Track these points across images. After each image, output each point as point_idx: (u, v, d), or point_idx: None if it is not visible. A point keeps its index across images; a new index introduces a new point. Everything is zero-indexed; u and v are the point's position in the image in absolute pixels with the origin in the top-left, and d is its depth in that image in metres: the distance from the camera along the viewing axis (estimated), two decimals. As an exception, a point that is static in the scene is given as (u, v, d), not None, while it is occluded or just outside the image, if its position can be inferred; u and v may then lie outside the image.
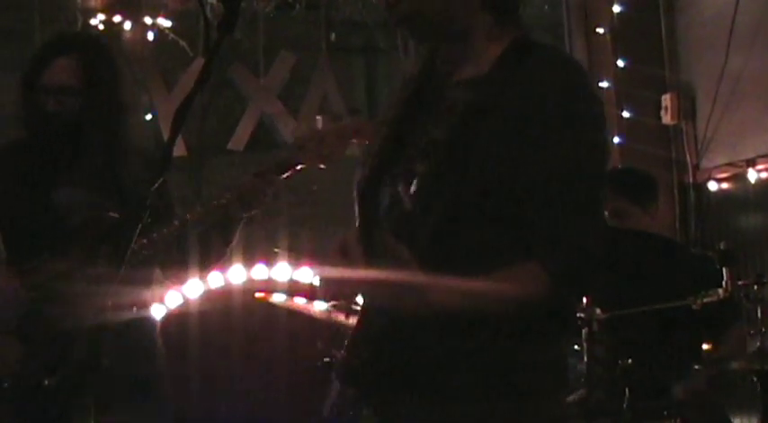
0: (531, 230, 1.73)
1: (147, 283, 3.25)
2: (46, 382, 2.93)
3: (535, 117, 1.74)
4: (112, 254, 2.98)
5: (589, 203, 1.76)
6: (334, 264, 1.74)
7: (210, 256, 3.23)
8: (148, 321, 3.27)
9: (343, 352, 1.97)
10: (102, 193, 3.13)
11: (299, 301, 3.89)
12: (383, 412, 1.85)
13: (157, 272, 3.31)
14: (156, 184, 1.91)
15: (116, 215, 3.07)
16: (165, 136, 5.64)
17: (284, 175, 3.10)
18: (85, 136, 3.13)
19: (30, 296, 3.09)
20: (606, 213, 4.04)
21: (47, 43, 3.30)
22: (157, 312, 4.43)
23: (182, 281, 3.49)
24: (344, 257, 1.73)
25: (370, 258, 1.68)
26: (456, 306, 1.70)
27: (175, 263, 3.23)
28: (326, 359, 3.51)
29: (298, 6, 6.74)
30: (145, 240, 3.00)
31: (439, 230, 1.72)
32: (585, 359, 3.41)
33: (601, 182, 1.83)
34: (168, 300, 4.80)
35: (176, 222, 3.09)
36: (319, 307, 3.63)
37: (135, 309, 3.09)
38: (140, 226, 1.88)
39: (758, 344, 3.38)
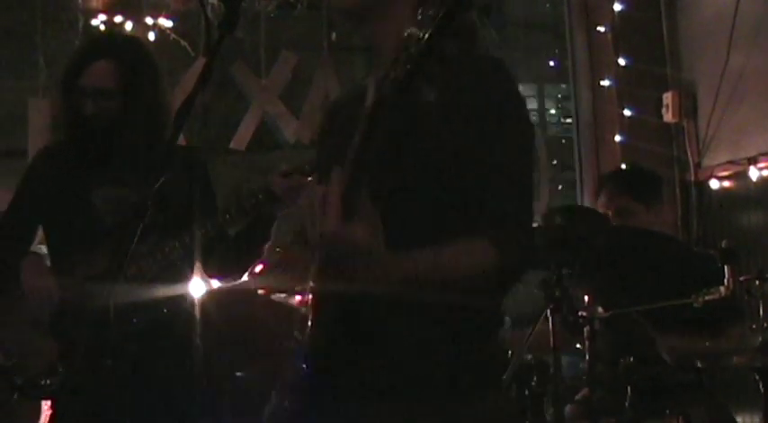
0: (478, 210, 1.80)
1: (182, 281, 3.27)
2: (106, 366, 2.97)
3: (476, 105, 1.83)
4: (113, 251, 3.01)
5: (527, 186, 1.87)
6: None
7: (250, 255, 3.25)
8: (186, 322, 3.29)
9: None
10: (141, 193, 3.15)
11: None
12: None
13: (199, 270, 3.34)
14: (158, 184, 1.91)
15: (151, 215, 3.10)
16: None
17: (310, 177, 3.10)
18: (124, 138, 3.15)
19: (65, 295, 3.12)
20: (610, 212, 4.06)
21: (85, 45, 3.35)
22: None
23: (226, 280, 3.50)
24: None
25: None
26: (414, 273, 1.73)
27: (216, 262, 3.24)
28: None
29: (299, 6, 6.73)
30: (177, 243, 3.03)
31: (388, 213, 1.70)
32: (587, 358, 3.41)
33: (532, 166, 1.94)
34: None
35: (211, 223, 3.11)
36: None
37: (165, 310, 3.11)
38: (140, 226, 1.88)
39: (760, 340, 3.38)
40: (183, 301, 3.26)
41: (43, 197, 3.27)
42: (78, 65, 3.18)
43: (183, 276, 3.24)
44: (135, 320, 3.04)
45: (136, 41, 3.50)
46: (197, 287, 4.86)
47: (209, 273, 3.40)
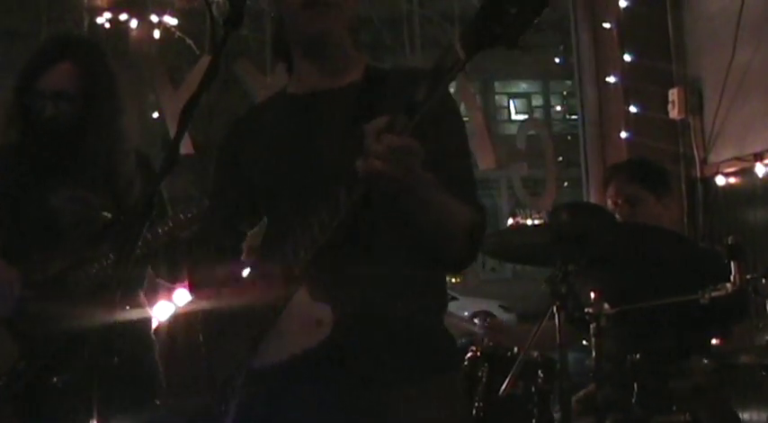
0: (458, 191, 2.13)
1: (141, 281, 3.30)
2: (54, 380, 2.95)
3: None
4: (116, 252, 3.01)
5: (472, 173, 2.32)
6: None
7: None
8: (142, 321, 3.30)
9: None
10: (96, 194, 3.15)
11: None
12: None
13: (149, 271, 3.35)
14: (161, 182, 1.91)
15: (109, 215, 3.10)
16: (171, 133, 5.65)
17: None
18: (80, 139, 3.15)
19: (23, 294, 3.12)
20: (620, 200, 4.06)
21: (42, 48, 3.31)
22: (164, 311, 4.43)
23: (173, 282, 3.51)
24: None
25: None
26: (444, 199, 2.06)
27: (166, 263, 3.26)
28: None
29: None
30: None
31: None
32: (594, 354, 3.40)
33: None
34: (177, 298, 4.79)
35: (170, 223, 3.13)
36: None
37: (128, 308, 3.11)
38: (147, 224, 1.89)
39: (766, 337, 3.38)
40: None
41: None
42: (38, 67, 3.18)
43: (136, 284, 3.26)
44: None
45: (93, 43, 3.50)
46: (164, 309, 4.82)
47: (161, 277, 3.41)
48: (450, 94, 2.27)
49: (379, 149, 1.85)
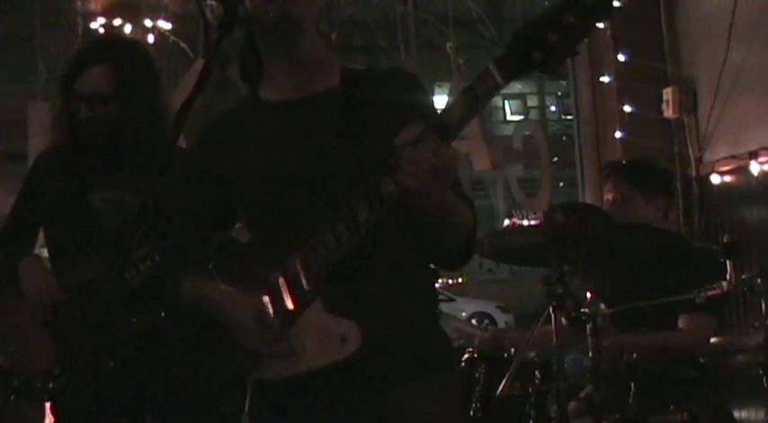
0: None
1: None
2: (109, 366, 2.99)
3: (415, 106, 2.15)
4: (112, 257, 3.03)
5: None
6: None
7: None
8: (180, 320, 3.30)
9: None
10: (136, 196, 3.16)
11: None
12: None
13: None
14: (159, 185, 1.91)
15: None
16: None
17: None
18: (118, 141, 3.16)
19: (63, 296, 3.14)
20: (610, 198, 4.06)
21: (83, 50, 3.34)
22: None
23: None
24: None
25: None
26: (456, 204, 2.09)
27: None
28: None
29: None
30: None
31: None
32: (590, 354, 3.41)
33: None
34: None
35: None
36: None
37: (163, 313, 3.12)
38: (138, 230, 1.88)
39: (763, 336, 3.38)
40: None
41: (43, 200, 3.29)
42: (75, 69, 3.19)
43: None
44: (134, 320, 3.06)
45: (135, 45, 3.49)
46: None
47: None
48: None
49: (411, 169, 1.86)
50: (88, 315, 3.01)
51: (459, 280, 17.87)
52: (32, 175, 3.39)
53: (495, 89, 1.77)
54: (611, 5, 1.64)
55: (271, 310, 2.12)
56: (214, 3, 2.03)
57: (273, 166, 2.19)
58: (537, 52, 1.69)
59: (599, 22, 1.66)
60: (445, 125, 1.86)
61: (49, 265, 3.29)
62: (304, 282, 2.08)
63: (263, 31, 2.20)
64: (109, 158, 3.19)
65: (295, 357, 2.11)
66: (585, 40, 1.68)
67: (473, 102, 1.82)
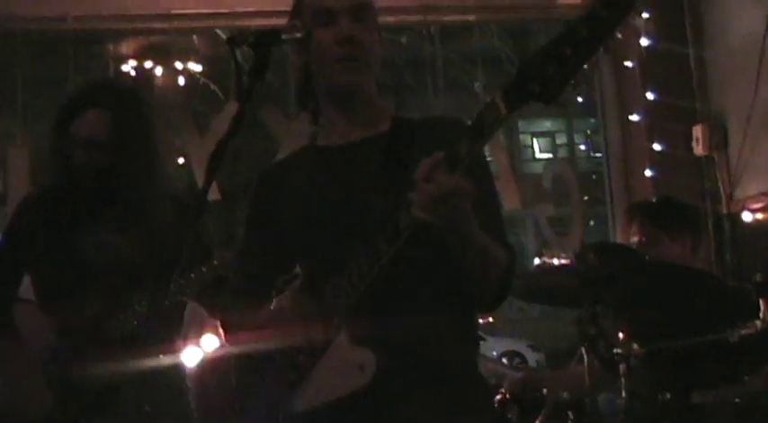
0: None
1: (177, 327, 3.30)
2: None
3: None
4: (148, 299, 3.03)
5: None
6: None
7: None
8: (176, 367, 3.30)
9: None
10: (128, 239, 3.17)
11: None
12: None
13: (201, 310, 3.35)
14: (192, 229, 1.93)
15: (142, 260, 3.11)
16: (198, 179, 5.68)
17: None
18: (112, 185, 3.17)
19: (57, 341, 3.14)
20: (636, 240, 4.04)
21: (77, 94, 3.34)
22: (192, 356, 4.42)
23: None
24: None
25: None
26: (486, 244, 2.11)
27: (213, 301, 3.26)
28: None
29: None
30: (183, 281, 3.04)
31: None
32: (624, 394, 3.38)
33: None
34: (205, 343, 4.77)
35: (215, 262, 3.13)
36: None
37: (162, 354, 3.12)
38: (176, 270, 1.90)
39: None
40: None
41: (30, 242, 3.28)
42: (70, 112, 3.21)
43: (174, 323, 3.27)
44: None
45: (129, 90, 3.52)
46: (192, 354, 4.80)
47: (211, 314, 3.42)
48: None
49: (417, 198, 1.91)
50: (89, 358, 3.03)
51: (490, 320, 17.78)
52: (18, 218, 3.38)
53: (499, 119, 1.83)
54: (604, 37, 1.68)
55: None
56: (246, 47, 2.05)
57: (320, 209, 2.26)
58: (534, 84, 1.75)
59: (592, 52, 1.70)
60: (455, 155, 1.90)
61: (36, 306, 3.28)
62: (333, 312, 2.14)
63: (325, 90, 2.32)
64: (101, 202, 3.20)
65: (320, 387, 2.16)
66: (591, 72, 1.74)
67: (480, 132, 1.88)
